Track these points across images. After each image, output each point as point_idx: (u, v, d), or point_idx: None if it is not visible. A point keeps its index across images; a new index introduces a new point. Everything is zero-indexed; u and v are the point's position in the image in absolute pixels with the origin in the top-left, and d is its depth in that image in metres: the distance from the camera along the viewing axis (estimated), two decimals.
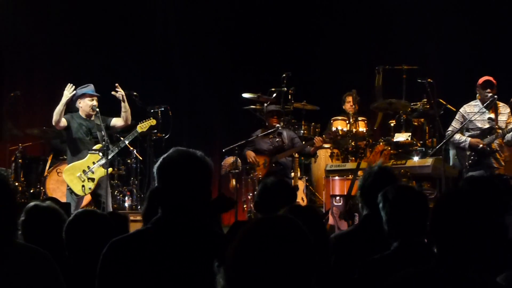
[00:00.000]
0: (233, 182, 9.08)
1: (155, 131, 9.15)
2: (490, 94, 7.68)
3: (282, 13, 11.88)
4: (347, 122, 9.52)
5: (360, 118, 9.55)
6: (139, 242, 2.42)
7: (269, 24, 11.81)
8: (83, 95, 7.66)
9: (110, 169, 7.67)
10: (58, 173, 8.81)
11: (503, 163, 7.68)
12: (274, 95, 9.68)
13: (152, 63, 11.71)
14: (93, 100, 7.64)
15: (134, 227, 3.49)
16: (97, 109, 7.56)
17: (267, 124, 9.14)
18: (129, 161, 9.81)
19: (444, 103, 8.95)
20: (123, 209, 9.37)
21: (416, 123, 9.15)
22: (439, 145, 7.91)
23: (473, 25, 10.22)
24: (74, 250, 3.28)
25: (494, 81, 7.71)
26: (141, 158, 9.84)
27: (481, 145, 7.61)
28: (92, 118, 7.68)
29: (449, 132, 7.91)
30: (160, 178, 2.47)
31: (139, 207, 9.33)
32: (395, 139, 8.78)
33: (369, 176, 3.58)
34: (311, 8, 11.77)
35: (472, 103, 7.94)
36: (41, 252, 1.50)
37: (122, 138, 8.12)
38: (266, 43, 11.79)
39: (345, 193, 7.68)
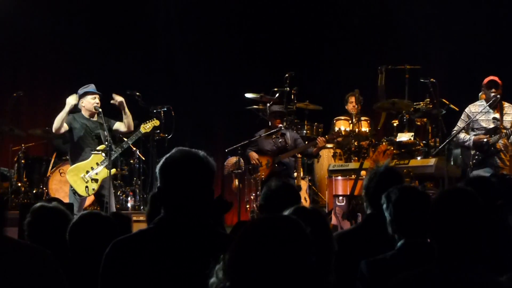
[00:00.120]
0: (236, 182, 9.08)
1: (158, 131, 9.14)
2: (493, 94, 7.66)
3: (285, 13, 11.88)
4: (350, 122, 9.52)
5: (363, 118, 9.54)
6: (142, 242, 2.42)
7: (272, 24, 11.81)
8: (85, 94, 7.65)
9: (113, 170, 7.65)
10: (61, 173, 8.81)
11: (507, 163, 7.66)
12: (277, 95, 9.68)
13: (155, 64, 11.72)
14: (95, 98, 7.63)
15: (137, 228, 3.48)
16: (100, 109, 7.55)
17: (270, 124, 9.13)
18: (132, 161, 9.81)
19: (447, 102, 8.94)
20: (126, 209, 9.37)
21: (419, 123, 9.13)
22: (442, 145, 7.90)
23: (477, 24, 10.20)
24: (77, 251, 3.28)
25: (499, 81, 7.69)
26: (144, 158, 9.84)
27: (485, 140, 7.58)
28: (95, 118, 7.67)
29: (454, 131, 7.91)
30: (163, 178, 2.47)
31: (142, 207, 9.33)
32: (398, 139, 8.77)
33: (374, 176, 3.58)
34: (314, 8, 11.76)
35: (478, 102, 7.93)
36: (41, 250, 1.49)
37: (125, 139, 8.13)
38: (269, 43, 11.79)
39: (348, 193, 7.67)
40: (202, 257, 2.22)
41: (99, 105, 7.60)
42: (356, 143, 9.16)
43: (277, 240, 1.69)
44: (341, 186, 8.40)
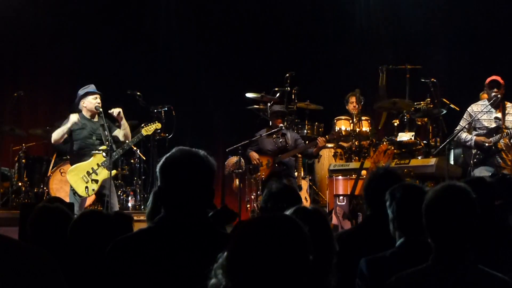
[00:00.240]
0: (237, 182, 9.08)
1: (159, 131, 9.14)
2: (494, 94, 7.66)
3: (286, 13, 11.88)
4: (351, 121, 9.52)
5: (363, 118, 9.54)
6: (142, 241, 2.43)
7: (273, 23, 11.81)
8: (86, 94, 7.65)
9: (114, 171, 7.65)
10: (61, 173, 8.82)
11: (509, 163, 7.67)
12: (278, 94, 9.68)
13: (156, 63, 11.72)
14: (96, 98, 7.63)
15: (138, 227, 3.49)
16: (101, 109, 7.55)
17: (271, 124, 9.13)
18: (132, 161, 9.82)
19: (448, 102, 8.95)
20: (127, 209, 9.37)
21: (419, 123, 9.14)
22: (443, 145, 7.91)
23: (477, 24, 10.21)
24: (77, 249, 3.28)
25: (502, 81, 7.69)
26: (144, 158, 9.84)
27: (486, 144, 7.60)
28: (96, 119, 7.67)
29: (456, 131, 7.91)
30: (163, 178, 2.47)
31: (142, 207, 9.34)
32: (398, 139, 8.78)
33: (374, 177, 3.59)
34: (314, 8, 11.76)
35: (480, 102, 7.95)
36: (40, 251, 1.49)
37: (126, 140, 8.13)
38: (270, 43, 11.79)
39: (349, 193, 7.68)
40: (202, 257, 2.22)
41: (100, 105, 7.60)
42: (356, 143, 9.16)
43: (274, 239, 1.69)
44: (342, 186, 8.41)
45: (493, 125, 7.73)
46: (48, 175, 9.06)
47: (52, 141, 7.69)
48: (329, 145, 9.53)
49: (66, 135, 7.53)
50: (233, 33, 11.84)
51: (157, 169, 2.48)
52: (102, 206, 7.60)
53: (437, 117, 8.65)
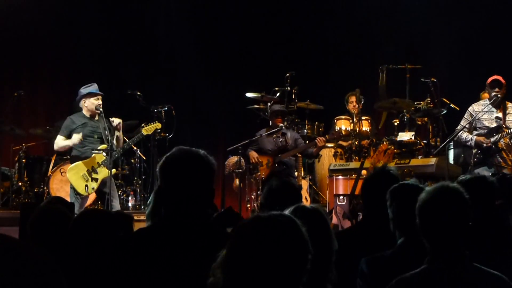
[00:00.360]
0: (237, 181, 9.08)
1: (159, 130, 9.15)
2: (494, 93, 7.66)
3: (286, 12, 11.88)
4: (351, 121, 9.51)
5: (363, 117, 9.54)
6: (142, 241, 2.43)
7: (273, 23, 11.81)
8: (88, 95, 7.66)
9: (114, 170, 7.66)
10: (61, 173, 8.81)
11: (509, 162, 7.67)
12: (278, 94, 9.68)
13: (156, 63, 11.73)
14: (98, 99, 7.66)
15: (138, 227, 3.49)
16: (101, 109, 7.56)
17: (271, 124, 9.13)
18: (132, 160, 9.81)
19: (448, 102, 8.95)
20: (127, 208, 9.37)
21: (419, 122, 9.14)
22: (443, 144, 7.92)
23: (478, 23, 10.20)
24: (78, 249, 3.28)
25: (503, 81, 7.70)
26: (144, 158, 9.84)
27: (485, 144, 7.60)
28: (96, 118, 7.68)
29: (457, 130, 7.91)
30: (163, 177, 2.47)
31: (142, 206, 9.34)
32: (398, 138, 8.77)
33: (372, 177, 3.60)
34: (314, 7, 11.76)
35: (481, 102, 7.96)
36: (40, 251, 1.49)
37: (127, 140, 8.14)
38: (270, 42, 11.79)
39: (349, 193, 7.67)
40: (202, 256, 2.22)
41: (101, 105, 7.62)
42: (356, 143, 9.16)
43: (273, 239, 1.70)
44: (342, 185, 8.40)
45: (494, 124, 7.73)
46: (49, 175, 9.06)
47: (55, 149, 7.91)
48: (329, 144, 9.53)
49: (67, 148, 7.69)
50: (233, 33, 11.84)
51: (157, 169, 2.49)
52: (103, 204, 7.62)
53: (437, 116, 8.65)
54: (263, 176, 8.70)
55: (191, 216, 2.44)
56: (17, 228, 5.17)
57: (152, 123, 8.12)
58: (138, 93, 9.15)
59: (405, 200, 3.05)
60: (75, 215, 3.50)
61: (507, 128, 7.63)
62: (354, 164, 8.62)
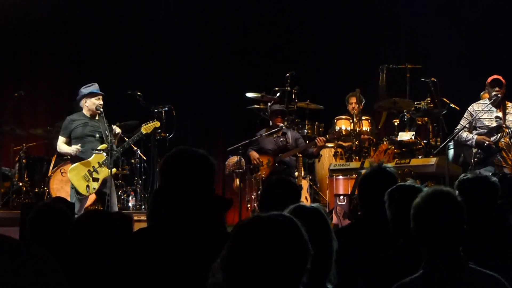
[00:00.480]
0: (237, 181, 9.08)
1: (159, 131, 9.15)
2: (495, 93, 7.66)
3: (286, 12, 11.88)
4: (351, 121, 9.51)
5: (364, 117, 9.53)
6: (142, 241, 2.43)
7: (273, 23, 11.81)
8: (89, 94, 7.66)
9: (114, 170, 7.67)
10: (62, 173, 8.81)
11: (510, 162, 7.67)
12: (278, 94, 9.68)
13: (156, 63, 11.73)
14: (99, 99, 7.66)
15: (138, 227, 3.49)
16: (101, 109, 7.57)
17: (271, 123, 9.13)
18: (133, 161, 9.81)
19: (448, 102, 8.95)
20: (127, 209, 9.38)
21: (420, 122, 9.14)
22: (443, 144, 7.91)
23: (478, 23, 10.20)
24: (78, 249, 3.28)
25: (503, 80, 7.69)
26: (145, 158, 9.84)
27: (487, 142, 7.59)
28: (97, 118, 7.69)
29: (457, 130, 7.91)
30: (163, 177, 2.48)
31: (143, 207, 9.34)
32: (399, 138, 8.77)
33: (369, 177, 3.60)
34: (314, 7, 11.76)
35: (481, 101, 7.95)
36: (41, 251, 1.49)
37: (126, 139, 8.14)
38: (270, 42, 11.79)
39: (349, 192, 7.68)
40: (202, 256, 2.22)
41: (102, 105, 7.62)
42: (357, 143, 9.16)
43: (272, 239, 1.70)
44: (342, 185, 8.41)
45: (494, 124, 7.73)
46: (49, 175, 9.06)
47: (58, 150, 7.97)
48: (329, 144, 9.53)
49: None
50: (234, 33, 11.84)
51: (158, 169, 2.49)
52: (103, 205, 7.62)
53: (437, 116, 8.65)
54: (263, 176, 8.70)
55: (191, 216, 2.44)
56: (17, 228, 5.18)
57: (151, 121, 8.12)
58: (138, 93, 9.15)
59: (403, 201, 3.05)
60: (77, 217, 3.50)
61: (507, 127, 7.62)
62: (354, 164, 8.62)
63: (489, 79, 7.78)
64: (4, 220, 7.85)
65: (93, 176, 7.50)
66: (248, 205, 8.89)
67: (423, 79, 8.75)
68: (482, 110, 7.72)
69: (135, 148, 9.59)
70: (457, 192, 3.34)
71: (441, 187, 2.63)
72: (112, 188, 7.52)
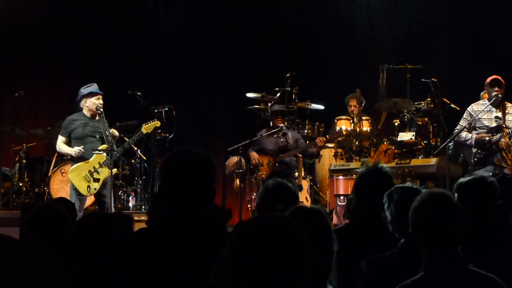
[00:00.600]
0: (237, 182, 9.08)
1: (159, 131, 9.15)
2: (495, 93, 7.66)
3: (286, 12, 11.88)
4: (351, 121, 9.51)
5: (364, 118, 9.53)
6: (143, 241, 2.43)
7: (273, 23, 11.81)
8: (89, 94, 7.66)
9: (114, 170, 7.67)
10: (62, 173, 8.82)
11: (509, 162, 7.66)
12: (278, 94, 9.68)
13: (156, 63, 11.73)
14: (99, 98, 7.66)
15: (138, 227, 3.49)
16: (101, 109, 7.56)
17: (271, 124, 9.13)
18: (133, 161, 9.82)
19: (448, 102, 8.95)
20: (127, 209, 9.38)
21: (420, 122, 9.14)
22: (443, 144, 7.91)
23: (478, 24, 10.20)
24: (78, 249, 3.28)
25: (503, 80, 7.69)
26: (145, 158, 9.85)
27: (487, 138, 7.58)
28: (97, 118, 7.69)
29: (456, 130, 7.91)
30: (164, 177, 2.48)
31: (143, 207, 9.34)
32: (399, 139, 8.77)
33: (363, 176, 3.60)
34: (315, 8, 11.76)
35: (480, 101, 7.94)
36: (41, 251, 1.50)
37: (126, 139, 8.15)
38: (270, 43, 11.80)
39: (349, 193, 7.67)
40: (202, 257, 2.22)
41: (102, 105, 7.62)
42: (357, 143, 9.16)
43: (273, 240, 1.70)
44: (342, 185, 8.41)
45: (494, 124, 7.72)
46: (49, 175, 9.06)
47: (57, 150, 7.95)
48: (330, 145, 9.53)
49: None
50: (234, 33, 11.84)
51: (158, 169, 2.50)
52: (100, 206, 7.63)
53: (437, 116, 8.65)
54: (263, 176, 8.70)
55: (191, 216, 2.44)
56: (17, 229, 5.18)
57: (151, 121, 8.12)
58: (138, 93, 9.15)
59: (402, 202, 3.05)
60: (78, 217, 3.51)
61: (507, 127, 7.62)
62: (354, 164, 8.62)
63: (489, 79, 7.78)
64: (4, 220, 7.86)
65: (94, 176, 7.49)
66: (248, 206, 8.89)
67: (423, 79, 8.75)
68: (482, 110, 7.71)
69: (135, 148, 9.60)
70: (456, 195, 3.35)
71: (437, 189, 2.65)
72: (111, 190, 7.54)
